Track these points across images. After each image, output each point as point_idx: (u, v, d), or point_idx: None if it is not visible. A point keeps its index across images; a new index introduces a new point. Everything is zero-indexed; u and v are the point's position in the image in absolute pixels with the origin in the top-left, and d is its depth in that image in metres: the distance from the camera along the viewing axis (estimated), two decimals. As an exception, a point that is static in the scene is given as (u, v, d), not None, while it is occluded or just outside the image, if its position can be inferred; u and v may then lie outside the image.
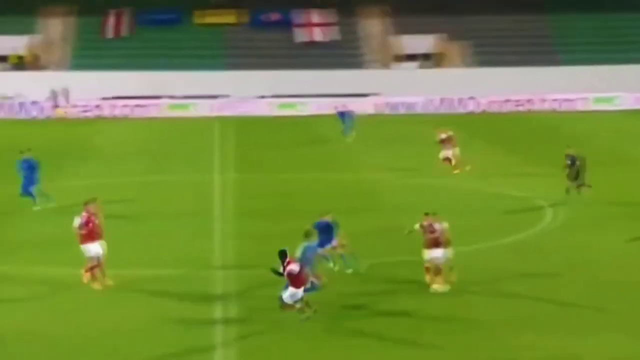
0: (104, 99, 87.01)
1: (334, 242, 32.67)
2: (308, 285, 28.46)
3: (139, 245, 38.05)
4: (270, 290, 30.23)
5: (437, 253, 30.33)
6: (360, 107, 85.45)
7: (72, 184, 51.25)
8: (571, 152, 45.30)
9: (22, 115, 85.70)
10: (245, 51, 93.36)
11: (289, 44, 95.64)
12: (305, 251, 29.17)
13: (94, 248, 32.06)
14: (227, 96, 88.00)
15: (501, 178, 51.52)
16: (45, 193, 45.12)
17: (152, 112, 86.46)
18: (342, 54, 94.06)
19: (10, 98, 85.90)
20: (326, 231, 32.42)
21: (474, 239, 37.41)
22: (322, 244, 31.86)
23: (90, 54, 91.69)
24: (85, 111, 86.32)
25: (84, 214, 32.33)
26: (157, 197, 48.15)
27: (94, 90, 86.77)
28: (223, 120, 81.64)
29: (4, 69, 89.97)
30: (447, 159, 53.59)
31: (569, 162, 44.66)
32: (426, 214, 30.73)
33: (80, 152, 64.11)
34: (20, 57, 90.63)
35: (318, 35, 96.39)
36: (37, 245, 37.73)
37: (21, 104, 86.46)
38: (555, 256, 35.43)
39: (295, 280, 27.67)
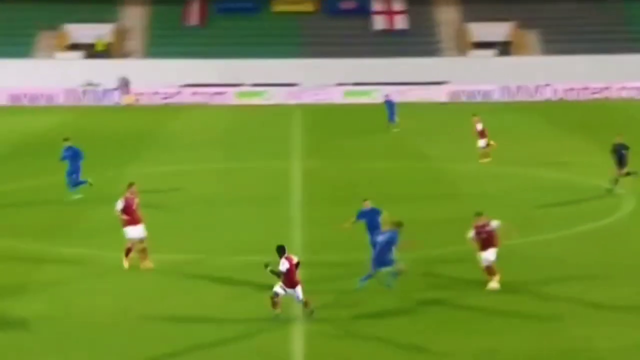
0: (183, 86, 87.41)
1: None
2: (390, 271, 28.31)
3: (217, 231, 38.29)
4: (346, 275, 30.46)
5: (490, 254, 29.42)
6: (436, 94, 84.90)
7: (151, 171, 51.66)
8: (619, 140, 44.55)
9: (106, 102, 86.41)
10: (322, 39, 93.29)
11: (365, 32, 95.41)
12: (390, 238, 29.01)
13: (135, 231, 32.45)
14: (302, 84, 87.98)
15: (578, 166, 51.01)
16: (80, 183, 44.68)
17: (228, 100, 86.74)
18: (417, 42, 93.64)
19: (96, 85, 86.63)
20: (372, 219, 31.73)
21: (551, 227, 37.14)
22: (371, 231, 31.46)
23: (169, 42, 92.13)
24: (165, 98, 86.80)
25: (124, 198, 32.90)
26: (235, 184, 48.26)
27: (172, 77, 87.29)
28: (300, 107, 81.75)
29: (90, 57, 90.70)
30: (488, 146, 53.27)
31: (617, 150, 43.92)
32: (477, 214, 29.89)
33: (159, 139, 64.57)
34: (105, 45, 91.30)
35: (395, 23, 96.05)
36: (116, 230, 37.98)
37: (105, 91, 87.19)
38: (635, 244, 34.99)
39: (287, 278, 27.12)
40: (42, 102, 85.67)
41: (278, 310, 27.12)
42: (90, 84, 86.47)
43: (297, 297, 27.22)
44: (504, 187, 45.82)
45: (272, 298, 27.16)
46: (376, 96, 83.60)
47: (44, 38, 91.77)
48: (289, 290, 27.08)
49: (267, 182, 48.48)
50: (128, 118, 76.21)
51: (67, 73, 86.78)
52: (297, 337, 26.08)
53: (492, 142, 53.17)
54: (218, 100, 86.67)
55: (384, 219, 31.46)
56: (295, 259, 27.52)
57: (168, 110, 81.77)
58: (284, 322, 27.15)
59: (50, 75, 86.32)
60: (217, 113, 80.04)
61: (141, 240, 32.59)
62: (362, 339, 25.80)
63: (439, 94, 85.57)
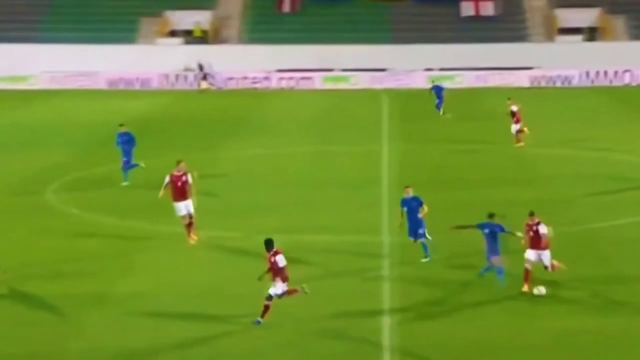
0: (278, 71, 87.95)
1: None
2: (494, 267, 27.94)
3: (307, 212, 38.62)
4: (436, 258, 30.79)
5: (530, 254, 28.11)
6: (517, 80, 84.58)
7: (245, 153, 52.26)
8: None
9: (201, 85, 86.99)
10: (410, 25, 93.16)
11: (453, 19, 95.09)
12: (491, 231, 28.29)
13: (183, 206, 33.33)
14: (391, 70, 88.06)
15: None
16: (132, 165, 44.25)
17: (316, 85, 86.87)
18: (505, 28, 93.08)
19: (194, 70, 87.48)
20: (412, 207, 31.21)
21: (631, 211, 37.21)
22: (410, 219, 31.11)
23: (263, 29, 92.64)
24: (254, 82, 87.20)
25: (170, 175, 33.90)
26: (325, 167, 48.58)
27: (265, 63, 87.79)
28: (386, 92, 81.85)
29: (189, 43, 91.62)
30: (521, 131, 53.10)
31: None
32: (531, 213, 28.51)
33: (252, 122, 65.01)
34: (203, 31, 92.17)
35: (482, 9, 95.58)
36: (215, 211, 38.72)
37: (199, 76, 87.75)
38: None
39: (282, 273, 25.72)
40: (137, 87, 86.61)
41: (266, 318, 25.48)
42: (188, 69, 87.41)
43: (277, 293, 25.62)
44: (582, 170, 45.88)
45: (266, 301, 25.41)
46: (460, 81, 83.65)
47: (146, 25, 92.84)
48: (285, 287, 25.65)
49: (356, 165, 48.67)
50: (221, 102, 76.77)
51: (167, 58, 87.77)
52: (386, 319, 26.23)
53: (525, 129, 52.97)
54: (305, 85, 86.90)
55: (424, 210, 30.96)
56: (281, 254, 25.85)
57: (259, 95, 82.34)
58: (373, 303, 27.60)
59: (151, 61, 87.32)
60: (306, 97, 79.97)
61: (189, 216, 33.45)
62: (453, 321, 25.97)
63: (520, 80, 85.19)
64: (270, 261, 25.65)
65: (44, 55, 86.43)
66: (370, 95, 79.65)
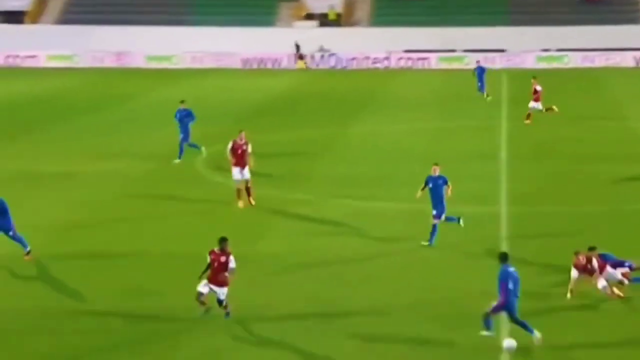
0: (405, 51, 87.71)
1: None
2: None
3: (419, 182, 38.32)
4: (547, 230, 30.51)
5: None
6: (622, 60, 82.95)
7: (369, 129, 52.30)
8: None
9: (336, 66, 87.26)
10: (527, 8, 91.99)
11: (569, 1, 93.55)
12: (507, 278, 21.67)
13: (238, 173, 33.86)
14: (508, 50, 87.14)
15: None
16: (193, 145, 42.58)
17: (436, 65, 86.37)
18: (617, 10, 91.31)
19: (327, 51, 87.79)
20: (436, 185, 29.49)
21: None
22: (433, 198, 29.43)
23: (391, 12, 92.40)
24: (375, 63, 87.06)
25: (233, 141, 34.42)
26: (445, 141, 48.29)
27: (391, 44, 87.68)
28: (507, 72, 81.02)
29: (323, 25, 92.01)
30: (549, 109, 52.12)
31: None
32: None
33: (377, 100, 65.04)
34: (336, 14, 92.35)
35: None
36: (339, 180, 38.96)
37: (333, 56, 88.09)
38: None
39: (230, 275, 22.95)
40: (270, 66, 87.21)
41: (206, 307, 23.10)
42: (322, 50, 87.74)
43: (219, 297, 22.88)
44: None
45: (197, 299, 22.87)
46: (567, 62, 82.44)
47: (284, 9, 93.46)
48: (215, 288, 22.78)
49: (475, 140, 48.44)
50: (347, 81, 76.70)
51: (303, 40, 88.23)
52: None
53: (554, 107, 52.04)
54: (424, 65, 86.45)
55: (449, 189, 29.39)
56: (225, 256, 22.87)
57: (381, 74, 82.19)
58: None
59: (288, 42, 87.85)
60: (425, 77, 79.68)
61: (245, 182, 33.83)
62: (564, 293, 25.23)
63: (625, 60, 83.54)
64: (219, 260, 22.62)
65: (188, 37, 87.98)
66: (495, 75, 78.73)
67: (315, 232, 31.29)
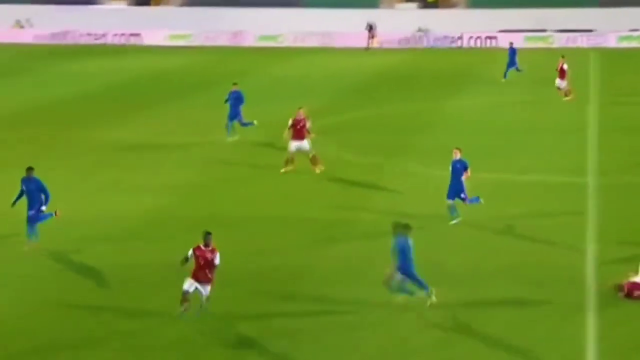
0: (500, 31, 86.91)
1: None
2: None
3: (518, 154, 38.39)
4: (633, 201, 30.25)
5: None
6: None
7: (467, 103, 52.28)
8: None
9: (432, 45, 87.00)
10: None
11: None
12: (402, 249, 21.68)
13: (294, 145, 34.29)
14: (597, 30, 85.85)
15: None
16: (246, 123, 41.09)
17: (523, 43, 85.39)
18: None
19: (426, 31, 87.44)
20: (456, 169, 28.30)
21: None
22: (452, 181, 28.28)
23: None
24: (469, 42, 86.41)
25: (294, 117, 34.47)
26: (536, 114, 48.15)
27: (487, 25, 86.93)
28: (596, 51, 79.82)
29: (423, 7, 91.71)
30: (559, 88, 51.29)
31: None
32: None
33: (476, 76, 64.76)
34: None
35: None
36: (437, 151, 38.67)
37: (430, 36, 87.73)
38: None
39: (213, 272, 20.77)
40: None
41: (185, 307, 20.71)
42: (421, 30, 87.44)
43: (203, 294, 20.76)
44: None
45: (183, 296, 20.63)
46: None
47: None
48: (200, 287, 20.63)
49: (564, 114, 48.10)
50: (445, 60, 76.37)
51: (403, 21, 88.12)
52: (588, 254, 25.58)
53: (568, 94, 51.24)
54: (520, 44, 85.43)
55: (467, 174, 28.29)
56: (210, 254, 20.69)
57: (483, 53, 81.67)
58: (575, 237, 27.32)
59: (389, 23, 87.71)
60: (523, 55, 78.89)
61: (306, 153, 34.41)
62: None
63: None
64: (205, 257, 20.54)
65: (295, 18, 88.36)
66: (584, 53, 77.69)
67: (416, 199, 31.43)
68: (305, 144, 34.68)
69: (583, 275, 23.86)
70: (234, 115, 40.50)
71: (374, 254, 25.45)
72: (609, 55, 75.87)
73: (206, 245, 20.42)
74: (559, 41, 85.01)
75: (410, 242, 21.42)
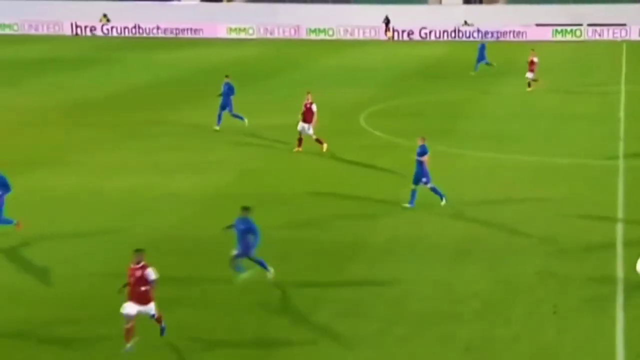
0: (537, 25, 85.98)
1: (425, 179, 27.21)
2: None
3: (555, 139, 37.99)
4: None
5: None
6: None
7: (506, 91, 51.64)
8: None
9: (475, 38, 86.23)
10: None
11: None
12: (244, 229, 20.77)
13: (301, 126, 34.46)
14: (627, 25, 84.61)
15: None
16: (237, 115, 39.89)
17: (551, 37, 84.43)
18: None
19: (470, 25, 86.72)
20: (419, 154, 27.12)
21: None
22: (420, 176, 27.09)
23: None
24: (510, 35, 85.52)
25: (305, 103, 34.51)
26: (571, 103, 47.56)
27: (522, 19, 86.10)
28: (628, 43, 78.64)
29: (467, 2, 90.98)
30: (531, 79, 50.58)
31: None
32: None
33: (516, 66, 63.97)
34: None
35: None
36: (480, 135, 38.68)
37: (474, 30, 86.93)
38: None
39: (151, 289, 17.64)
40: (418, 38, 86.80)
41: (133, 341, 17.61)
42: (466, 24, 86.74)
43: (150, 314, 17.80)
44: None
45: (125, 325, 17.51)
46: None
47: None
48: (142, 308, 17.54)
49: (596, 102, 47.64)
50: (489, 51, 75.66)
51: (449, 16, 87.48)
52: (619, 230, 25.31)
53: (538, 80, 50.49)
54: (559, 38, 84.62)
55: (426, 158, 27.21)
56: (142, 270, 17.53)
57: (521, 45, 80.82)
58: (608, 211, 27.02)
59: (437, 17, 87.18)
60: (562, 48, 78.11)
61: (309, 135, 34.46)
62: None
63: None
64: (134, 275, 17.45)
65: (346, 13, 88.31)
66: (617, 46, 76.60)
67: (459, 180, 31.18)
68: (306, 126, 34.77)
69: (613, 254, 23.49)
70: (225, 105, 39.59)
71: (419, 230, 25.34)
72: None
73: (137, 262, 17.50)
74: (588, 34, 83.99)
75: (253, 224, 20.41)
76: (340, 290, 20.89)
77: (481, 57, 59.41)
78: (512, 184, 30.48)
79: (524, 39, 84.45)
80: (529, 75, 51.66)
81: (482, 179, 31.23)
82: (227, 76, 40.51)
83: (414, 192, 27.48)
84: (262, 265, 21.17)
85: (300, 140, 35.08)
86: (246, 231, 20.50)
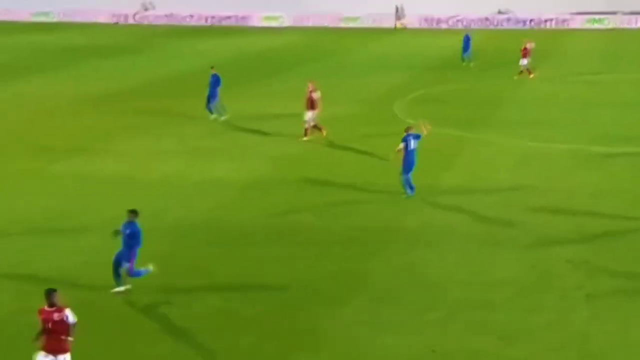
0: (574, 13, 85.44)
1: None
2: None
3: (587, 126, 37.92)
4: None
5: None
6: None
7: (543, 79, 51.41)
8: None
9: (513, 27, 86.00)
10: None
11: None
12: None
13: (307, 114, 34.67)
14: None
15: None
16: (221, 107, 39.95)
17: (581, 24, 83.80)
18: None
19: (506, 13, 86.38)
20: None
21: None
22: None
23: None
24: (545, 23, 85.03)
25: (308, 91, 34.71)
26: (605, 91, 47.26)
27: (561, 6, 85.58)
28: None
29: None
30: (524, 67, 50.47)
31: None
32: None
33: (551, 55, 63.82)
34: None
35: None
36: (514, 124, 38.64)
37: (509, 18, 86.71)
38: None
39: (68, 336, 14.72)
40: (446, 26, 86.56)
41: None
42: (501, 12, 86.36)
43: None
44: None
45: None
46: None
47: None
48: (58, 357, 14.65)
49: (630, 89, 47.34)
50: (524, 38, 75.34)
51: (484, 3, 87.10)
52: None
53: (531, 72, 50.41)
54: (597, 26, 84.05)
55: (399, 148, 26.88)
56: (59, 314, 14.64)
57: (557, 33, 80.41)
58: None
59: (470, 5, 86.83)
60: (597, 35, 77.55)
61: (310, 122, 34.64)
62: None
63: None
64: (52, 319, 14.59)
65: (372, 1, 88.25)
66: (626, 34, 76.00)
67: (492, 168, 31.14)
68: (310, 114, 34.93)
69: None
70: (212, 96, 39.53)
71: (452, 218, 25.37)
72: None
73: (50, 305, 14.66)
74: (623, 22, 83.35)
75: (137, 228, 19.34)
76: (374, 276, 20.98)
77: (466, 48, 58.53)
78: (546, 171, 30.39)
79: (556, 26, 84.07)
80: (523, 62, 51.47)
81: (515, 167, 31.14)
82: (212, 67, 40.49)
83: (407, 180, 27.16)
84: (118, 277, 19.45)
85: (307, 129, 35.14)
86: (130, 236, 19.29)
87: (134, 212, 19.56)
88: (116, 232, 19.77)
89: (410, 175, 27.18)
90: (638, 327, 18.05)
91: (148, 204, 26.70)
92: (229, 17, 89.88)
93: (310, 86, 35.29)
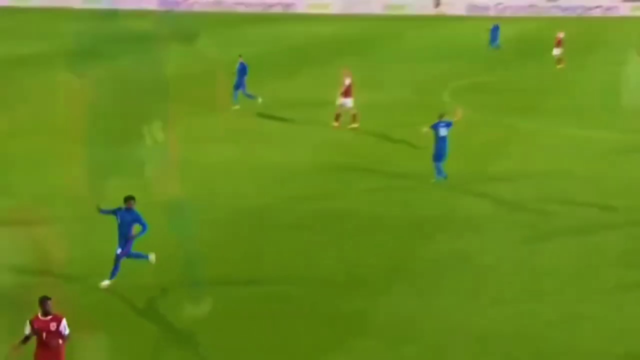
0: (622, 0, 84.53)
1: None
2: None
3: (634, 115, 37.49)
4: None
5: None
6: None
7: (593, 67, 51.16)
8: None
9: (560, 14, 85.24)
10: None
11: None
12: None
13: (341, 102, 34.83)
14: None
15: None
16: (249, 95, 39.55)
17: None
18: None
19: (552, 1, 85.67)
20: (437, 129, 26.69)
21: None
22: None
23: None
24: (593, 10, 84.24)
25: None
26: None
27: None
28: None
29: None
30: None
31: None
32: None
33: (600, 44, 63.12)
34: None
35: None
36: (563, 112, 38.33)
37: (557, 6, 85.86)
38: None
39: (63, 346, 13.86)
40: (492, 13, 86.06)
41: None
42: (548, 0, 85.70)
43: None
44: None
45: None
46: None
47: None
48: None
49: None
50: (574, 26, 74.59)
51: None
52: None
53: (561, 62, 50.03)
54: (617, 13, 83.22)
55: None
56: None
57: (605, 21, 79.60)
58: None
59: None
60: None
61: (348, 110, 34.66)
62: None
63: None
64: (48, 328, 13.66)
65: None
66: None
67: (541, 156, 30.94)
68: (350, 101, 35.02)
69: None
70: (239, 85, 39.39)
71: (499, 207, 25.25)
72: None
73: (45, 313, 13.72)
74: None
75: (139, 214, 18.74)
76: (422, 264, 21.00)
77: (494, 39, 59.38)
78: (598, 160, 30.26)
79: (603, 14, 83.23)
80: (556, 52, 51.40)
81: (565, 155, 30.97)
82: (240, 56, 40.33)
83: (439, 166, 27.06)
84: (139, 257, 19.30)
85: (338, 115, 35.13)
86: (132, 222, 18.76)
87: (132, 199, 18.82)
88: (106, 211, 18.90)
89: (442, 164, 26.97)
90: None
91: (198, 188, 26.88)
92: (278, 4, 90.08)
93: (344, 74, 35.24)
